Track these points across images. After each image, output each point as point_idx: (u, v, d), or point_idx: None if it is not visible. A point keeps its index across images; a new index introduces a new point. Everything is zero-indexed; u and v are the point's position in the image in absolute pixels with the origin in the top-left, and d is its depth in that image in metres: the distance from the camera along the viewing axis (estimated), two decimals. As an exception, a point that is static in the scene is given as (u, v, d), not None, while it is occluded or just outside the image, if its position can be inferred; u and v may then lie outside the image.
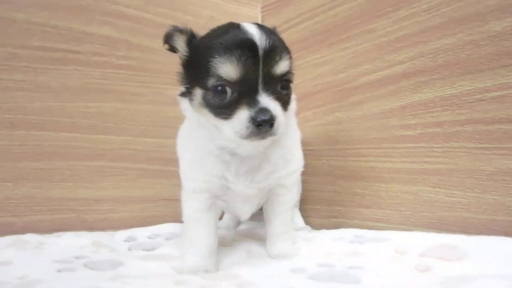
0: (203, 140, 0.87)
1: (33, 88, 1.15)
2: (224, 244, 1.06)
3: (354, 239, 1.01)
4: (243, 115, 0.72)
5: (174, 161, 1.36)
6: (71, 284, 0.73)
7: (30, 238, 1.00)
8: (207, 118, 0.80)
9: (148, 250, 1.03)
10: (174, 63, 1.36)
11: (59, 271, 0.81)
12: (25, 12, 1.14)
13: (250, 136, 0.73)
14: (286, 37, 1.45)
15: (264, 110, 0.71)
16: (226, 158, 0.86)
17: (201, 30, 0.87)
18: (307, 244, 1.05)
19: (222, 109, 0.75)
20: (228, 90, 0.74)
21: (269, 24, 0.90)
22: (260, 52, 0.72)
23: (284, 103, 0.79)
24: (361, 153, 1.19)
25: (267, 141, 0.77)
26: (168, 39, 0.86)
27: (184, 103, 0.87)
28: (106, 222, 1.24)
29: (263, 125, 0.71)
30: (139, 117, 1.32)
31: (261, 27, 0.79)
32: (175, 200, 1.35)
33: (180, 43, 0.85)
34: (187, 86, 0.85)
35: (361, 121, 1.19)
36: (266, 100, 0.73)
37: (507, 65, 0.86)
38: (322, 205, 1.31)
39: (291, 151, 0.93)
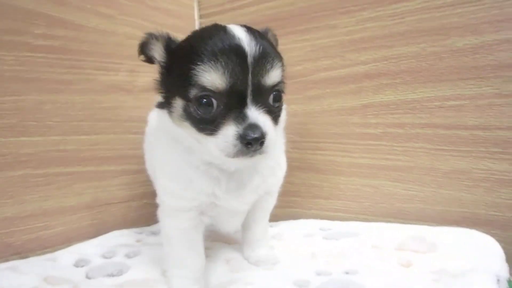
0: (186, 154, 0.77)
1: None
2: (199, 256, 0.99)
3: (326, 235, 1.06)
4: (230, 132, 0.64)
5: (109, 159, 1.20)
6: None
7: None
8: (189, 132, 0.70)
9: (115, 275, 0.89)
10: (106, 43, 1.15)
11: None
12: None
13: (237, 154, 0.65)
14: (229, 19, 1.37)
15: (254, 127, 0.63)
16: (215, 174, 0.77)
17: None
18: (279, 243, 1.06)
19: (206, 123, 0.66)
20: (214, 102, 0.65)
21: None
22: (250, 59, 0.64)
23: (275, 116, 0.71)
24: (319, 146, 1.22)
25: (256, 159, 0.69)
26: (143, 48, 0.76)
27: (163, 114, 0.76)
28: (38, 242, 1.02)
29: (252, 143, 0.63)
30: (68, 111, 1.08)
31: (250, 30, 0.71)
32: (114, 204, 1.22)
33: (157, 50, 0.75)
34: (166, 95, 0.74)
35: (319, 116, 1.21)
36: (256, 115, 0.65)
37: (465, 78, 0.97)
38: (278, 195, 1.32)
39: (277, 160, 0.89)
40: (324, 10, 1.17)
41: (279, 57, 0.71)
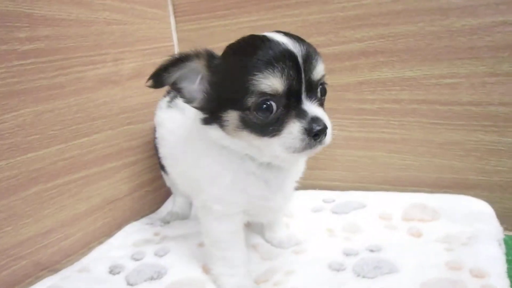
0: (240, 162, 0.80)
1: None
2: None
3: (332, 208, 1.15)
4: (295, 128, 0.68)
5: (108, 156, 1.20)
6: None
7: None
8: (247, 139, 0.73)
9: (155, 278, 0.93)
10: (89, 33, 1.07)
11: None
12: None
13: (305, 148, 0.69)
14: None
15: (317, 119, 0.68)
16: (266, 176, 0.82)
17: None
18: (291, 221, 1.13)
19: (268, 126, 0.70)
20: (273, 105, 0.68)
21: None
22: (300, 60, 0.69)
23: (323, 107, 0.77)
24: (314, 121, 1.27)
25: (317, 151, 0.73)
26: (165, 70, 0.72)
27: (213, 130, 0.76)
28: (61, 253, 1.02)
29: (319, 134, 0.68)
30: (66, 116, 1.02)
31: (287, 34, 0.74)
32: (120, 199, 1.25)
33: (199, 68, 0.74)
34: (213, 111, 0.75)
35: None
36: (313, 109, 0.70)
37: (462, 58, 1.04)
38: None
39: None
40: (316, -16, 1.15)
41: (318, 52, 0.75)
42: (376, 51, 1.13)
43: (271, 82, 0.67)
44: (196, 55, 0.72)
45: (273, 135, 0.69)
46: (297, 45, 0.70)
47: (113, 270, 0.97)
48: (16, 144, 0.90)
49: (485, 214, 0.99)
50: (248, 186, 0.81)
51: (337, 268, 0.89)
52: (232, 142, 0.76)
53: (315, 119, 0.68)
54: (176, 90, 0.76)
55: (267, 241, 1.07)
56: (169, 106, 1.02)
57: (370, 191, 1.20)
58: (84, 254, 1.04)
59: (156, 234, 1.15)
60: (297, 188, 1.28)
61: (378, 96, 1.17)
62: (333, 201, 1.21)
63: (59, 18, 0.98)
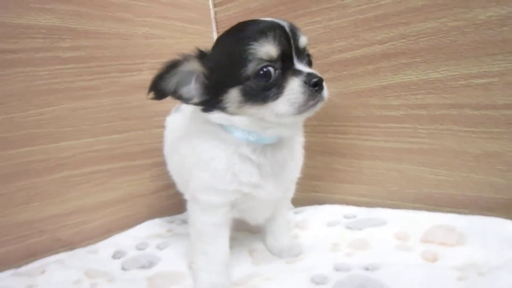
0: (235, 146, 0.81)
1: (-29, 103, 0.95)
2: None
3: (349, 223, 1.06)
4: (295, 84, 0.74)
5: (138, 154, 1.28)
6: None
7: (14, 283, 0.88)
8: (250, 112, 0.76)
9: (146, 267, 0.98)
10: (128, 45, 1.22)
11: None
12: None
13: (308, 101, 0.74)
14: (242, 4, 1.38)
15: (311, 74, 0.74)
16: (260, 159, 0.82)
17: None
18: (303, 232, 1.07)
19: (269, 91, 0.74)
20: (271, 69, 0.74)
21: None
22: (287, 29, 0.77)
23: None
24: (339, 130, 1.20)
25: (318, 107, 0.77)
26: (161, 80, 0.77)
27: (216, 114, 0.79)
28: (82, 235, 1.14)
29: (318, 84, 0.73)
30: (99, 114, 1.17)
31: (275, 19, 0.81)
32: (146, 195, 1.31)
33: (193, 67, 0.79)
34: (212, 97, 0.78)
35: (337, 98, 1.18)
36: (305, 68, 0.77)
37: (492, 53, 0.89)
38: (301, 179, 1.32)
39: (300, 145, 0.95)
40: (335, -11, 1.13)
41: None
42: (397, 53, 1.04)
43: (267, 48, 0.73)
44: (185, 58, 0.77)
45: (276, 97, 0.74)
46: (281, 20, 0.78)
47: (115, 255, 1.05)
48: (50, 133, 1.07)
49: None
50: (241, 171, 0.81)
51: (318, 282, 0.82)
52: (236, 120, 0.78)
53: (311, 74, 0.74)
54: (178, 98, 0.81)
55: (267, 248, 1.03)
56: (176, 111, 1.09)
57: (398, 209, 1.06)
58: (101, 240, 1.14)
59: (169, 230, 1.20)
60: (324, 202, 1.23)
61: (403, 101, 1.06)
62: (354, 217, 1.11)
63: (100, 32, 1.16)
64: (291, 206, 1.29)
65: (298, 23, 1.20)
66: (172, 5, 1.36)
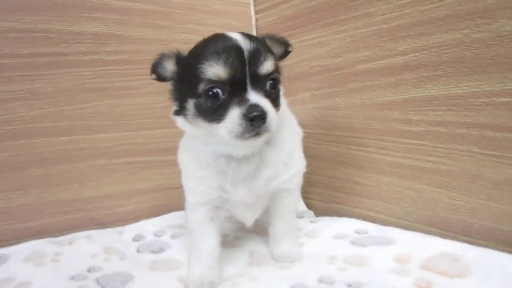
0: (200, 152, 0.88)
1: (30, 96, 1.14)
2: (227, 245, 1.09)
3: (356, 239, 1.02)
4: (235, 114, 0.73)
5: (171, 150, 1.36)
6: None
7: (46, 247, 1.04)
8: (202, 126, 0.80)
9: (156, 252, 1.08)
10: (170, 50, 1.32)
11: (74, 291, 0.86)
12: (11, 20, 1.09)
13: (244, 133, 0.73)
14: (279, 12, 1.40)
15: (255, 106, 0.73)
16: (223, 167, 0.86)
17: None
18: (309, 241, 1.07)
19: (215, 112, 0.76)
20: (219, 91, 0.75)
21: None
22: (246, 53, 0.74)
23: (274, 100, 0.80)
24: (361, 142, 1.17)
25: (262, 138, 0.78)
26: (156, 67, 0.86)
27: (179, 119, 0.87)
28: (114, 217, 1.29)
29: (255, 120, 0.72)
30: (135, 111, 1.30)
31: (246, 35, 0.79)
32: (176, 188, 1.39)
33: (170, 66, 0.85)
34: (179, 102, 0.85)
35: (360, 110, 1.15)
36: (256, 97, 0.74)
37: (516, 70, 0.80)
38: (323, 189, 1.32)
39: (290, 154, 0.92)
40: (361, -2, 1.10)
41: (271, 52, 0.80)
42: (419, 65, 0.98)
43: (216, 69, 0.74)
44: (168, 55, 0.85)
45: (219, 121, 0.75)
46: (247, 42, 0.76)
47: (135, 238, 1.16)
48: (92, 125, 1.23)
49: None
50: (205, 176, 0.87)
51: None
52: (192, 130, 0.85)
53: (254, 106, 0.72)
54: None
55: (269, 251, 1.05)
56: None
57: (411, 231, 1.01)
58: (129, 224, 1.27)
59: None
60: (343, 214, 1.21)
61: (423, 116, 0.99)
62: (365, 233, 1.06)
63: (141, 38, 1.29)
64: (309, 214, 1.30)
65: (327, 31, 1.23)
66: (212, 13, 1.44)
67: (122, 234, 1.19)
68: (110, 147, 1.27)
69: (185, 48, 1.36)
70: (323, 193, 1.31)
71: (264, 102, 0.74)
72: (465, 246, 0.87)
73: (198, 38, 1.38)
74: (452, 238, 0.93)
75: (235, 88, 0.75)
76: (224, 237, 1.14)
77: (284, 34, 1.36)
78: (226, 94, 0.75)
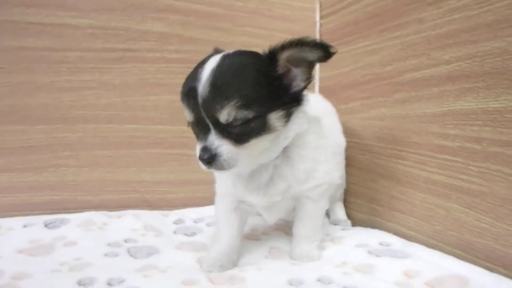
0: None
1: (99, 86, 1.32)
2: (252, 237, 1.15)
3: (374, 249, 0.99)
4: (196, 150, 0.82)
5: None
6: (107, 271, 0.89)
7: (98, 218, 1.21)
8: None
9: (188, 235, 1.17)
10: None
11: (106, 255, 0.99)
12: (88, 17, 1.29)
13: (204, 166, 0.81)
14: (341, 18, 1.40)
15: (205, 149, 0.79)
16: (235, 176, 0.93)
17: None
18: (331, 246, 1.06)
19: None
20: (194, 127, 0.84)
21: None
22: (200, 100, 0.77)
23: (243, 136, 0.80)
24: (401, 155, 1.11)
25: (230, 172, 0.84)
26: None
27: None
28: (164, 202, 1.42)
29: (203, 161, 0.79)
30: (192, 107, 1.42)
31: (222, 64, 0.80)
32: None
33: None
34: None
35: (403, 121, 1.10)
36: (212, 139, 0.79)
37: (562, 85, 0.70)
38: (363, 200, 1.28)
39: (307, 171, 0.93)
40: (414, 2, 1.04)
41: (235, 94, 0.76)
42: (462, 75, 0.91)
43: (186, 111, 0.82)
44: None
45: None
46: (206, 85, 0.76)
47: (176, 222, 1.28)
48: (151, 117, 1.38)
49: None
50: (225, 178, 0.97)
51: (292, 284, 0.85)
52: None
53: (204, 149, 0.79)
54: None
55: (290, 250, 1.07)
56: None
57: (433, 249, 0.95)
58: (176, 209, 1.39)
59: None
60: (378, 227, 1.17)
61: (459, 131, 0.92)
62: (388, 245, 1.03)
63: (202, 39, 1.41)
64: (346, 223, 1.27)
65: (380, 38, 1.22)
66: (275, 17, 1.49)
67: (166, 217, 1.32)
68: (166, 138, 1.40)
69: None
70: (363, 205, 1.27)
71: (218, 145, 0.78)
72: (480, 271, 0.81)
73: (258, 42, 1.47)
74: (474, 263, 0.86)
75: (199, 127, 0.81)
76: (252, 231, 1.21)
77: (343, 40, 1.39)
78: (194, 130, 0.84)
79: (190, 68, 1.39)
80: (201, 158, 0.79)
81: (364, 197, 1.27)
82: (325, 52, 0.81)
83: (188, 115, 0.82)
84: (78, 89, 1.30)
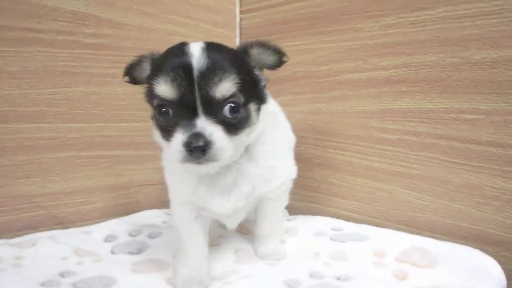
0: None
1: (-12, 74, 0.99)
2: (211, 243, 1.06)
3: (334, 236, 1.10)
4: (177, 139, 0.69)
5: (146, 145, 1.32)
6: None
7: (5, 252, 0.92)
8: (160, 139, 0.78)
9: (134, 253, 1.02)
10: (149, 39, 1.27)
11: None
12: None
13: (184, 161, 0.70)
14: (268, 15, 1.46)
15: (198, 135, 0.68)
16: (196, 179, 0.83)
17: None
18: (290, 239, 1.11)
19: (165, 130, 0.73)
20: (170, 110, 0.72)
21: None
22: (195, 73, 0.69)
23: (234, 127, 0.74)
24: (339, 146, 1.26)
25: (206, 167, 0.74)
26: (132, 69, 0.82)
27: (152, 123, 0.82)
28: (79, 215, 1.18)
29: (193, 151, 0.68)
30: (112, 101, 1.22)
31: (211, 47, 0.74)
32: (148, 185, 1.35)
33: (147, 66, 0.81)
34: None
35: (341, 116, 1.25)
36: (204, 125, 0.69)
37: (482, 92, 0.96)
38: (299, 189, 1.37)
39: (271, 169, 0.89)
40: (350, 13, 1.20)
41: (232, 71, 0.71)
42: (399, 80, 1.11)
43: (164, 88, 0.70)
44: (144, 56, 0.81)
45: (168, 140, 0.72)
46: (202, 59, 0.70)
47: (107, 239, 1.09)
48: (61, 113, 1.12)
49: (490, 275, 0.84)
50: (183, 179, 0.86)
51: (291, 285, 0.86)
52: (157, 138, 0.80)
53: (196, 135, 0.68)
54: None
55: (253, 249, 1.06)
56: None
57: (381, 227, 1.12)
58: (97, 223, 1.17)
59: (164, 222, 1.23)
60: (317, 213, 1.29)
61: (398, 126, 1.12)
62: (341, 230, 1.15)
63: (123, 23, 1.22)
64: (285, 213, 1.35)
65: (314, 40, 1.29)
66: (199, 6, 1.42)
67: (89, 234, 1.10)
68: (79, 138, 1.16)
69: (168, 40, 1.33)
70: (298, 193, 1.36)
71: (212, 131, 0.69)
72: (431, 241, 1.00)
73: (182, 31, 1.37)
74: (418, 234, 1.06)
75: (184, 111, 0.70)
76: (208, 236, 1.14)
77: (269, 38, 1.42)
78: (175, 115, 0.71)
79: (110, 56, 1.23)
80: (192, 146, 0.67)
81: (299, 185, 1.35)
82: (280, 58, 0.82)
83: (168, 91, 0.69)
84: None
